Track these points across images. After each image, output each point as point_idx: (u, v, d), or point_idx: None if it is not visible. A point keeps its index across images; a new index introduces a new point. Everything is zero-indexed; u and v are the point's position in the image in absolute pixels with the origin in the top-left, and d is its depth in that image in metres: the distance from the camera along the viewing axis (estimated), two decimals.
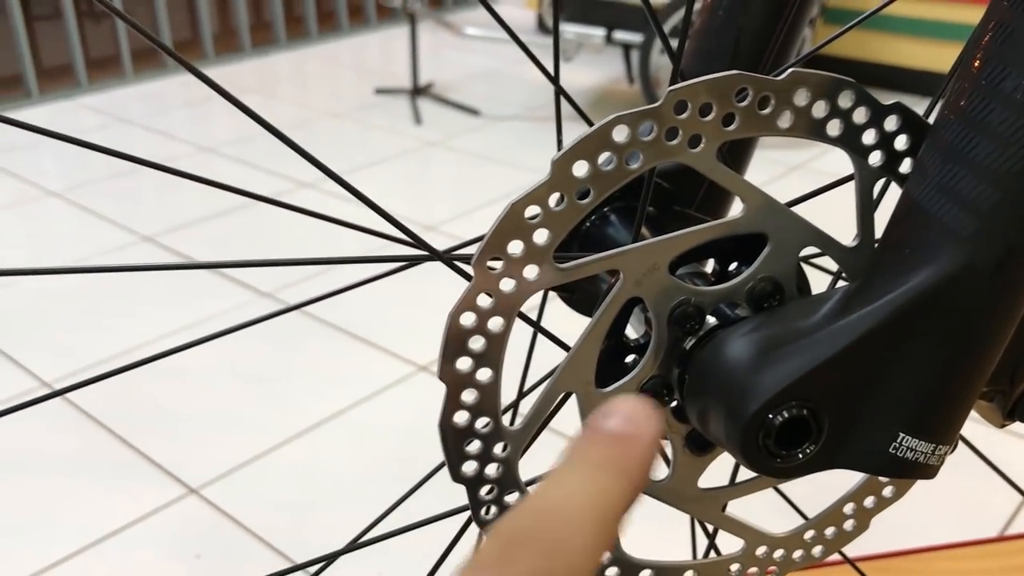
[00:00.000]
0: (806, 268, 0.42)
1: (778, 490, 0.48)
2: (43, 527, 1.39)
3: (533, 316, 0.43)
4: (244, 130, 3.05)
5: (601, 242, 0.47)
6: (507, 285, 0.35)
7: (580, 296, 0.48)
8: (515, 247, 0.34)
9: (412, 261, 0.40)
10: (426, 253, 0.39)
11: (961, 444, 0.46)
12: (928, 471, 0.35)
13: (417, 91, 3.19)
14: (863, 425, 0.35)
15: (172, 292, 2.05)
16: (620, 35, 2.97)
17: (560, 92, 0.43)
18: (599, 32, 2.99)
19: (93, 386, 0.39)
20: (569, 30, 3.04)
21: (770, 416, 0.34)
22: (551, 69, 0.42)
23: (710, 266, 0.42)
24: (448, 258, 0.38)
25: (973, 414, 0.42)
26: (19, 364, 1.80)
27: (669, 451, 0.40)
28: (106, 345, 1.84)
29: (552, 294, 0.50)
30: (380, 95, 3.31)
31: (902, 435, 0.34)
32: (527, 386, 0.49)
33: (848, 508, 0.43)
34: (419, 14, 3.16)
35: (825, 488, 0.46)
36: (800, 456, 0.35)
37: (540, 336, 0.45)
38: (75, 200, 2.53)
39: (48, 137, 0.36)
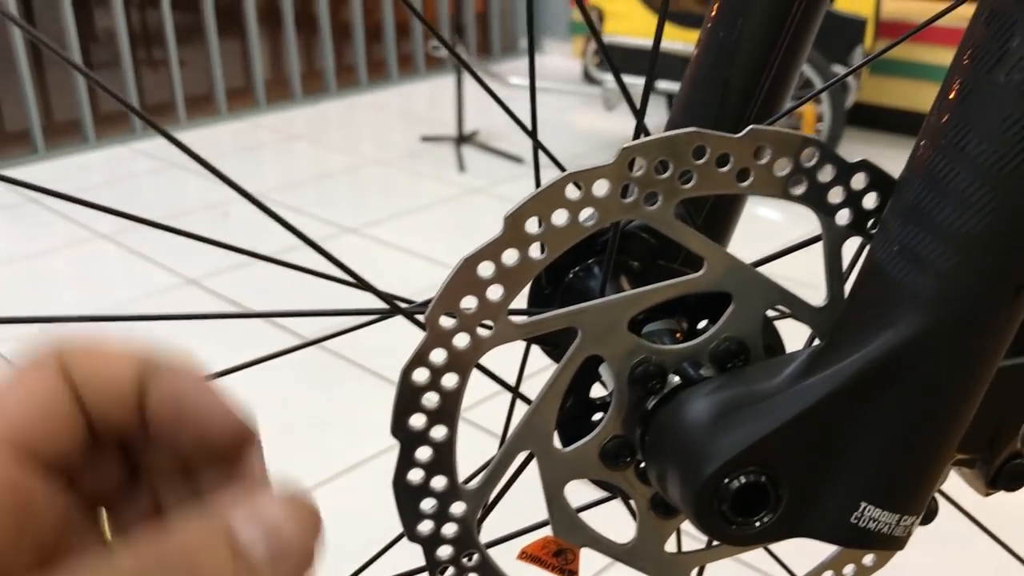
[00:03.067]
0: (780, 325, 0.41)
1: (767, 548, 0.47)
2: None
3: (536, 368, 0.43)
4: (292, 176, 3.11)
5: (582, 295, 0.47)
6: (461, 341, 0.34)
7: (562, 350, 0.48)
8: (468, 302, 0.34)
9: (378, 314, 0.40)
10: (390, 309, 0.38)
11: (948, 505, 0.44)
12: (894, 542, 0.34)
13: (462, 139, 3.22)
14: (824, 493, 0.33)
15: (220, 336, 2.08)
16: (662, 85, 2.98)
17: (537, 144, 0.43)
18: (641, 82, 3.00)
19: None
20: (611, 80, 3.05)
21: (726, 481, 0.33)
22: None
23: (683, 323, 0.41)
24: (409, 312, 0.38)
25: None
26: None
27: (635, 513, 0.39)
28: None
29: (536, 349, 0.49)
30: (426, 142, 3.35)
31: (864, 504, 0.33)
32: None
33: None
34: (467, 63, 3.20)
35: (811, 552, 0.45)
36: (757, 524, 0.34)
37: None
38: (124, 243, 2.58)
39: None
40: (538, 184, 0.47)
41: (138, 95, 3.43)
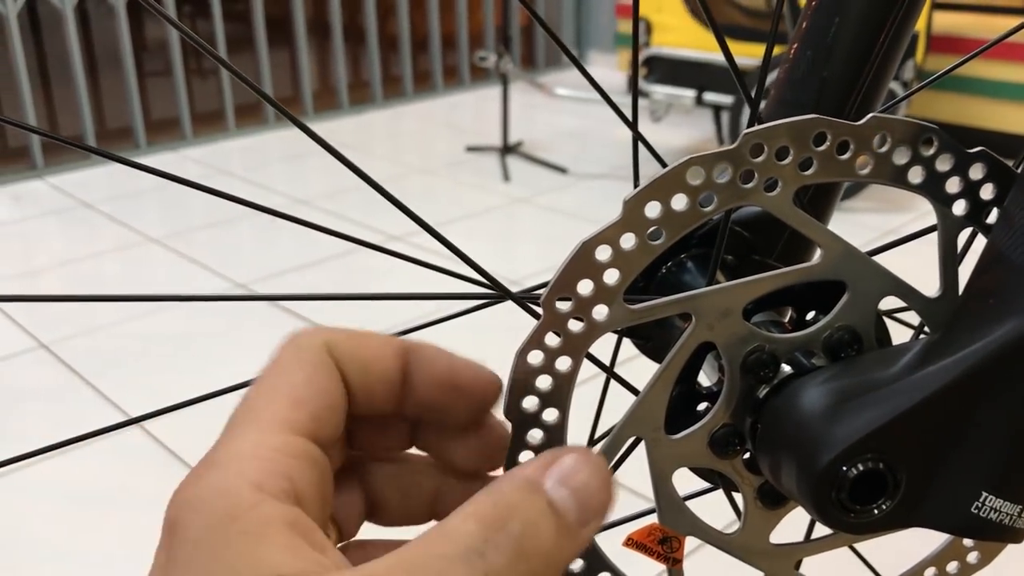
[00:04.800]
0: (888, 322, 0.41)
1: (854, 550, 0.47)
2: (130, 560, 1.42)
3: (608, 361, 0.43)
4: (338, 183, 3.13)
5: (677, 288, 0.47)
6: (576, 325, 0.34)
7: (655, 343, 0.48)
8: (585, 287, 0.34)
9: (487, 300, 0.40)
10: (498, 293, 0.39)
11: None
12: (1015, 535, 0.33)
13: (507, 149, 3.23)
14: (944, 482, 0.33)
15: (270, 337, 2.09)
16: (710, 96, 2.97)
17: (638, 137, 0.43)
18: (689, 93, 3.00)
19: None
20: (659, 91, 3.05)
21: (844, 469, 0.33)
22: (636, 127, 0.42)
23: (788, 315, 0.41)
24: (520, 298, 0.38)
25: None
26: (116, 405, 1.86)
27: (740, 503, 0.39)
28: (202, 389, 1.88)
29: (626, 341, 0.49)
30: (471, 152, 3.36)
31: (985, 494, 0.33)
32: (599, 431, 0.48)
33: (929, 573, 0.41)
34: (511, 75, 3.21)
35: (906, 553, 0.44)
36: (875, 512, 0.33)
37: (615, 383, 0.45)
38: (174, 247, 2.62)
39: (161, 179, 0.37)
40: (637, 178, 0.47)
41: (189, 102, 3.48)
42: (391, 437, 0.34)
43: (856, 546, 0.46)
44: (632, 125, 0.43)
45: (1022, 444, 0.32)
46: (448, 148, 3.51)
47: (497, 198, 3.01)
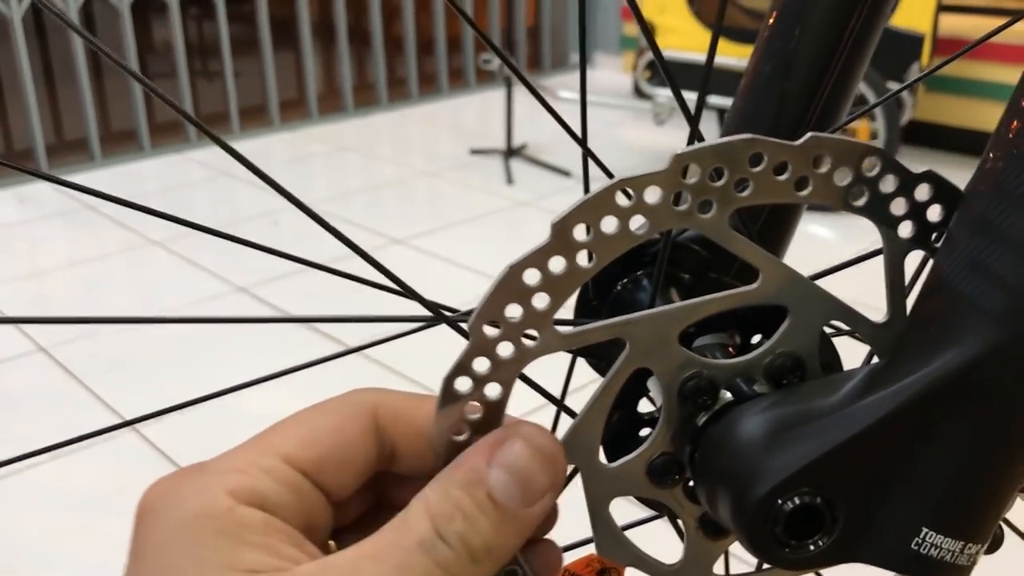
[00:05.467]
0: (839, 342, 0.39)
1: (818, 574, 0.45)
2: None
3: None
4: (342, 186, 3.13)
5: (630, 307, 0.46)
6: (505, 350, 0.33)
7: (607, 364, 0.47)
8: (513, 311, 0.33)
9: (422, 322, 0.39)
10: (434, 316, 0.38)
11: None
12: (957, 571, 0.32)
13: (511, 152, 3.22)
14: (884, 517, 0.32)
15: (266, 343, 2.09)
16: (714, 99, 2.96)
17: (587, 152, 0.42)
18: (692, 96, 2.98)
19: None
20: (662, 94, 3.04)
21: (779, 502, 0.31)
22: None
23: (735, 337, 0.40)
24: (452, 320, 0.37)
25: None
26: (114, 409, 1.86)
27: (683, 533, 0.38)
28: (199, 392, 1.88)
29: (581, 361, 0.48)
30: (475, 155, 3.36)
31: (925, 530, 0.31)
32: None
33: None
34: (516, 78, 3.20)
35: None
36: (812, 547, 0.32)
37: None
38: (176, 250, 2.62)
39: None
40: (587, 193, 0.46)
41: (193, 105, 3.49)
42: None
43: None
44: (582, 142, 0.42)
45: (962, 478, 0.31)
46: (452, 151, 3.50)
47: (501, 201, 3.00)
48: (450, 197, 3.09)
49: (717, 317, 0.37)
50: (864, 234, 2.51)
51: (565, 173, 3.13)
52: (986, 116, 2.94)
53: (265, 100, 3.67)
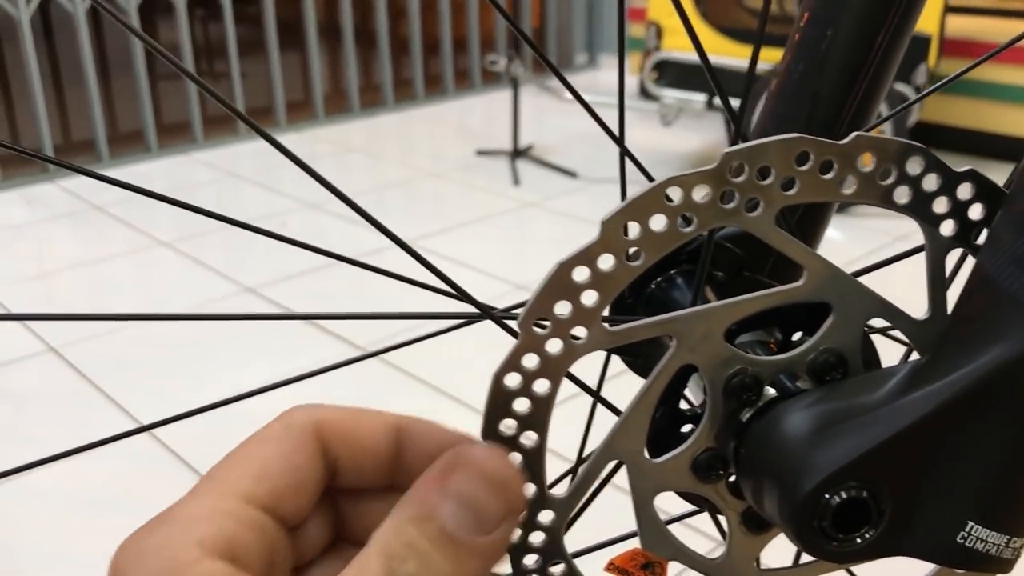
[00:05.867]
0: (877, 341, 0.40)
1: (851, 572, 0.46)
2: None
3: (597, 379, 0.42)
4: (350, 187, 3.13)
5: (665, 305, 0.46)
6: (554, 347, 0.34)
7: (643, 361, 0.47)
8: (562, 308, 0.33)
9: (467, 319, 0.39)
10: (478, 312, 0.38)
11: None
12: (1002, 565, 0.33)
13: (517, 153, 3.23)
14: (929, 511, 0.32)
15: (274, 343, 2.10)
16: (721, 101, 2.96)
17: (624, 152, 0.43)
18: (700, 97, 2.99)
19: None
20: (670, 95, 3.04)
21: (826, 496, 0.32)
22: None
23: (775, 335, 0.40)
24: (499, 317, 0.38)
25: None
26: (124, 409, 1.87)
27: (725, 527, 0.38)
28: (208, 393, 1.89)
29: (616, 358, 0.49)
30: (481, 156, 3.36)
31: (971, 524, 0.32)
32: (587, 451, 0.47)
33: None
34: (522, 79, 3.21)
35: (898, 573, 0.43)
36: (858, 541, 0.33)
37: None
38: (183, 250, 2.63)
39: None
40: (624, 193, 0.47)
41: (200, 106, 3.49)
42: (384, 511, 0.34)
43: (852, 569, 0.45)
44: (619, 141, 0.43)
45: (1008, 473, 0.32)
46: (458, 152, 3.51)
47: (507, 202, 3.01)
48: (456, 198, 3.09)
49: (759, 314, 0.38)
50: (871, 235, 2.52)
51: (571, 174, 3.13)
52: (993, 118, 2.95)
53: (271, 101, 3.68)
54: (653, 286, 0.47)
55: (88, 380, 1.97)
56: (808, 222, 0.47)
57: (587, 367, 0.48)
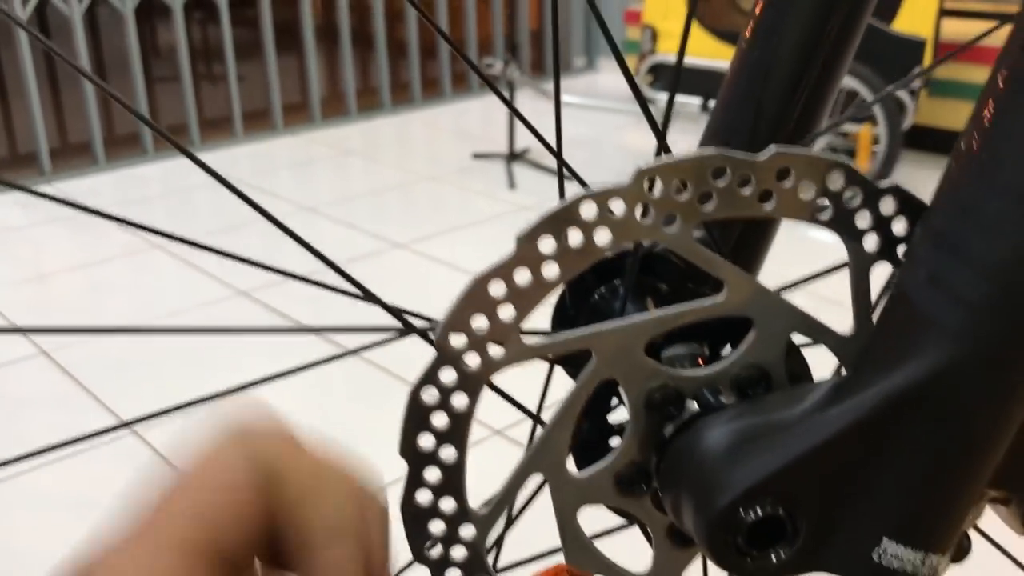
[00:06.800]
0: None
1: None
2: None
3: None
4: (347, 191, 3.14)
5: (606, 317, 0.46)
6: (472, 361, 0.34)
7: (575, 372, 0.47)
8: (479, 322, 0.33)
9: (395, 333, 0.39)
10: (405, 327, 0.38)
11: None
12: None
13: (513, 156, 3.23)
14: (845, 527, 0.32)
15: (267, 346, 2.10)
16: (713, 104, 2.96)
17: (561, 163, 0.43)
18: (695, 101, 2.98)
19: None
20: (665, 99, 3.04)
21: (741, 512, 0.32)
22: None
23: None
24: (423, 331, 0.38)
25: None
26: (115, 413, 1.87)
27: (652, 543, 0.38)
28: (196, 393, 1.89)
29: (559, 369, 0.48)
30: (477, 159, 3.36)
31: (886, 540, 0.32)
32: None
33: None
34: (518, 82, 3.21)
35: None
36: (774, 558, 0.32)
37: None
38: (177, 253, 2.63)
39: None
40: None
41: (197, 109, 3.50)
42: None
43: None
44: (555, 151, 0.43)
45: (921, 489, 0.31)
46: (455, 155, 3.51)
47: (503, 206, 3.00)
48: (452, 201, 3.09)
49: (687, 328, 0.37)
50: None
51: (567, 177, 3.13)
52: None
53: (269, 104, 3.68)
54: (596, 297, 0.47)
55: (80, 384, 1.98)
56: (749, 240, 0.46)
57: (534, 384, 0.48)
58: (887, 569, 0.32)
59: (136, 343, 2.13)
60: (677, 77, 0.41)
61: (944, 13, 2.90)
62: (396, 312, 0.37)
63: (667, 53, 3.06)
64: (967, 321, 0.30)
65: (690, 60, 2.97)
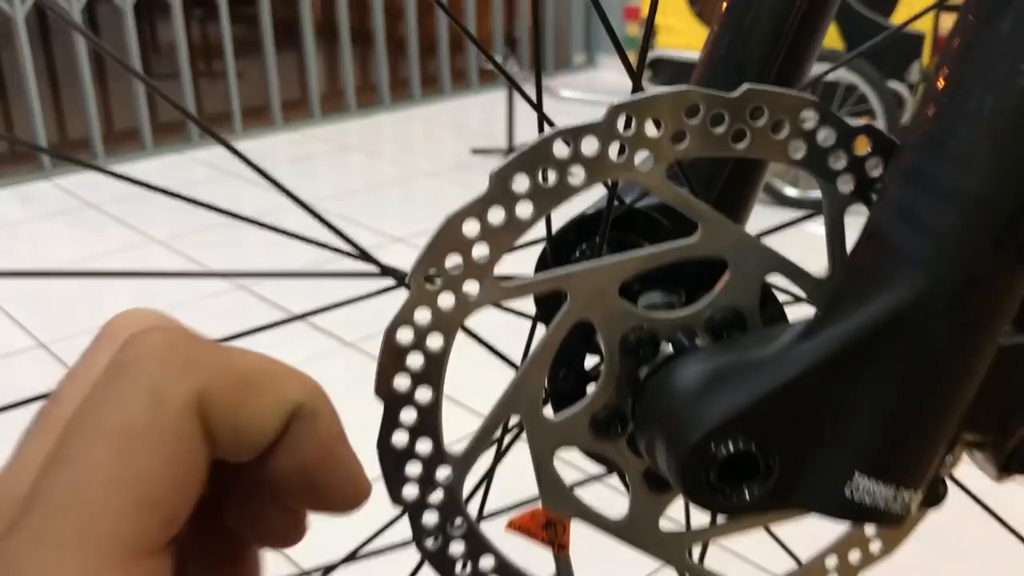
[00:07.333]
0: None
1: (768, 530, 0.45)
2: None
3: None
4: (345, 186, 3.14)
5: None
6: (446, 301, 0.34)
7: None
8: (453, 262, 0.33)
9: (365, 277, 0.39)
10: (376, 270, 0.38)
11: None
12: (890, 518, 0.32)
13: (512, 151, 3.23)
14: (817, 464, 0.32)
15: (266, 338, 2.10)
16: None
17: (542, 117, 0.43)
18: None
19: None
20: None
21: (713, 448, 0.32)
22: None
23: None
24: (400, 274, 0.38)
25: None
26: None
27: (628, 489, 0.38)
28: None
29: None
30: (477, 155, 3.36)
31: (857, 475, 0.32)
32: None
33: (831, 562, 0.40)
34: (518, 77, 3.21)
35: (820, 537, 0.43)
36: (747, 494, 0.32)
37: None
38: (177, 248, 2.63)
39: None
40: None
41: (196, 105, 3.50)
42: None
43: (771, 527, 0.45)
44: (536, 106, 0.43)
45: (892, 423, 0.31)
46: (454, 150, 3.51)
47: None
48: (452, 196, 3.07)
49: (664, 275, 0.38)
50: None
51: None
52: None
53: (268, 100, 3.68)
54: (578, 253, 0.47)
55: None
56: (735, 186, 0.46)
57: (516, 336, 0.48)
58: (859, 504, 0.32)
59: None
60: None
61: (943, 8, 2.90)
62: (376, 260, 0.37)
63: (666, 48, 3.06)
64: (935, 250, 0.30)
65: (689, 54, 2.97)
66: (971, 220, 0.29)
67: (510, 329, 0.49)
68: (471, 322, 0.35)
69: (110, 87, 3.73)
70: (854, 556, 0.40)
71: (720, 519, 0.39)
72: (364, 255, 0.38)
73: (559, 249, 0.47)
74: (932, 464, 0.33)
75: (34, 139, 3.19)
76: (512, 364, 0.38)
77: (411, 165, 3.40)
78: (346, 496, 0.25)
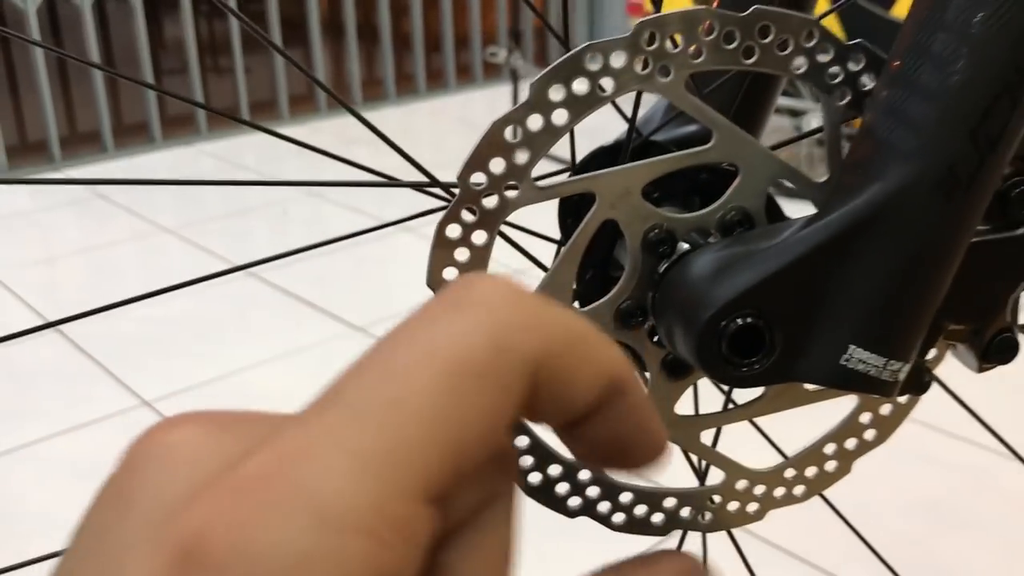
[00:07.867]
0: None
1: (755, 425, 0.50)
2: None
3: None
4: (350, 178, 3.17)
5: None
6: (490, 200, 0.38)
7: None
8: (496, 165, 0.38)
9: (418, 187, 0.43)
10: (428, 181, 0.42)
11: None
12: (883, 387, 0.37)
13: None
14: (817, 337, 0.37)
15: (274, 323, 2.14)
16: None
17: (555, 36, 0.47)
18: None
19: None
20: None
21: (724, 323, 0.36)
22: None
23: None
24: (447, 185, 0.42)
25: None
26: (124, 384, 1.91)
27: (646, 376, 0.42)
28: (205, 368, 1.94)
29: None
30: None
31: (852, 347, 0.36)
32: None
33: (829, 448, 0.45)
34: (522, 71, 3.25)
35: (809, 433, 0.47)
36: (756, 365, 0.37)
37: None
38: (187, 237, 2.67)
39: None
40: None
41: (204, 100, 3.55)
42: None
43: (762, 428, 0.49)
44: (561, 38, 0.47)
45: (885, 298, 0.36)
46: (460, 144, 3.54)
47: None
48: None
49: (681, 188, 0.42)
50: None
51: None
52: None
53: (275, 95, 3.73)
54: None
55: (92, 358, 2.02)
56: (750, 105, 0.50)
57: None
58: (854, 371, 0.36)
59: (145, 319, 2.18)
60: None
61: None
62: (425, 170, 0.42)
63: None
64: (917, 141, 0.34)
65: None
66: (949, 115, 0.34)
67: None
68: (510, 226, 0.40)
69: (120, 81, 3.78)
70: (850, 443, 0.45)
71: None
72: (430, 177, 0.42)
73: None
74: (918, 337, 0.37)
75: (45, 133, 3.23)
76: (543, 267, 0.43)
77: (417, 158, 3.44)
78: (653, 461, 0.23)
